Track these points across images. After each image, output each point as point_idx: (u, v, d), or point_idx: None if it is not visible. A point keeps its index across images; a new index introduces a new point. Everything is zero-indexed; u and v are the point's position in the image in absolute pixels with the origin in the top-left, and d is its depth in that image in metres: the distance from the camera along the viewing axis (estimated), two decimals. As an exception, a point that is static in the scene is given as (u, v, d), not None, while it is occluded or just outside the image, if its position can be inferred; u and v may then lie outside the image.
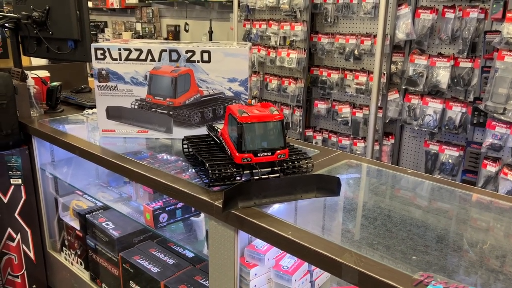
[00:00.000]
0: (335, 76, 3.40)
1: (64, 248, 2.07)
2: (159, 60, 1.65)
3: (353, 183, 1.39)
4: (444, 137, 3.05)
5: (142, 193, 1.84)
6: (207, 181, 1.25)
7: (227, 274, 1.19)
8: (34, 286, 2.21)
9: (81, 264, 1.96)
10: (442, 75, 2.87)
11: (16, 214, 2.07)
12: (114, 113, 1.72)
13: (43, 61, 2.91)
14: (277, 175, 1.23)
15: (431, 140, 3.07)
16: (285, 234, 0.99)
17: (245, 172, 1.23)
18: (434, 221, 1.13)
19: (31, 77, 2.13)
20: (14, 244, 2.09)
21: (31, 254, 2.17)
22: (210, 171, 1.20)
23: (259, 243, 1.25)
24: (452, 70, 2.86)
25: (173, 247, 1.75)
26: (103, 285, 1.83)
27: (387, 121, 3.20)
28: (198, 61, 1.64)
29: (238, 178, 1.22)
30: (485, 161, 2.55)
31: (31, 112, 2.08)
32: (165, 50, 1.64)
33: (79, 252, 1.95)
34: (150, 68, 1.66)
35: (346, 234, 1.05)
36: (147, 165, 1.45)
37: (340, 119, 3.40)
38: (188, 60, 1.64)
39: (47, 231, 2.15)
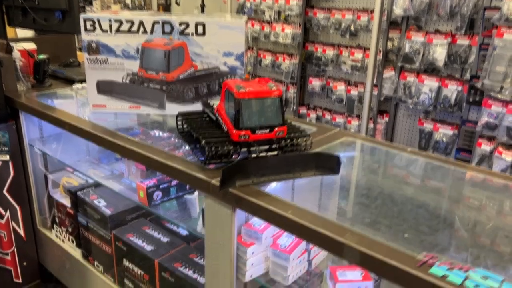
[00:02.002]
0: (330, 52, 3.34)
1: (55, 226, 2.03)
2: (151, 33, 1.58)
3: (352, 162, 1.37)
4: (438, 115, 3.03)
5: (135, 170, 1.80)
6: (203, 158, 1.21)
7: (224, 253, 1.17)
8: (24, 263, 2.18)
9: (72, 241, 1.93)
10: (439, 53, 2.82)
11: (4, 191, 2.02)
12: (104, 88, 1.66)
13: (29, 33, 2.80)
14: (275, 153, 1.20)
15: (425, 118, 3.05)
16: (285, 213, 0.96)
17: (242, 149, 1.19)
18: (436, 200, 1.11)
19: (17, 50, 2.05)
20: (3, 222, 2.04)
21: (21, 232, 2.13)
22: (206, 148, 1.16)
23: (256, 221, 1.22)
24: (449, 47, 2.82)
25: (167, 225, 1.72)
26: (96, 262, 1.80)
27: (382, 99, 3.17)
28: (192, 34, 1.58)
29: (235, 156, 1.19)
30: (480, 140, 2.55)
31: (18, 86, 2.00)
32: (158, 22, 1.57)
33: (70, 230, 1.91)
34: (142, 40, 1.59)
35: (347, 213, 1.03)
36: (140, 141, 1.40)
37: (335, 97, 3.36)
38: (182, 33, 1.58)
39: (37, 208, 2.11)
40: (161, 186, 1.46)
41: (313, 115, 3.63)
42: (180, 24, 1.56)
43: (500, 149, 2.42)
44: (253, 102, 1.16)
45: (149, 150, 1.31)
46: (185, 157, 1.28)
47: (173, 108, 1.66)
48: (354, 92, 3.27)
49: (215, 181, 1.11)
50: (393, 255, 0.83)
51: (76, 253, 1.92)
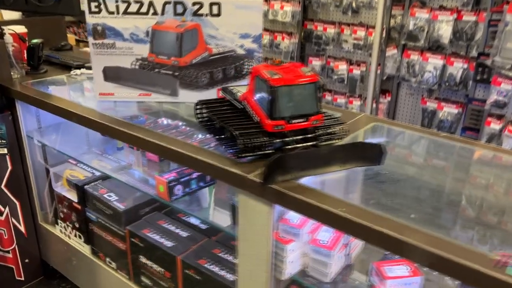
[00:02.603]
0: (331, 30, 3.24)
1: (59, 221, 1.93)
2: (162, 14, 1.46)
3: (391, 150, 1.30)
4: (442, 94, 2.99)
5: (146, 162, 1.71)
6: (233, 151, 1.13)
7: (261, 251, 1.10)
8: (26, 261, 2.08)
9: (80, 237, 1.83)
10: (444, 30, 2.76)
11: (2, 186, 1.90)
12: (112, 75, 1.54)
13: (15, 15, 2.62)
14: (311, 143, 1.12)
15: (429, 97, 3.00)
16: (338, 212, 0.89)
17: (276, 141, 1.11)
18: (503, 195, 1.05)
19: (9, 33, 1.89)
20: (2, 218, 1.93)
21: (22, 228, 2.02)
22: (240, 140, 1.07)
23: (292, 216, 1.15)
24: (455, 24, 2.75)
25: (183, 218, 1.64)
26: (107, 259, 1.72)
27: (384, 78, 3.10)
28: (206, 15, 1.47)
29: (269, 148, 1.10)
30: (489, 119, 2.51)
31: (12, 73, 1.86)
32: (169, 2, 1.45)
33: (77, 225, 1.81)
34: (152, 22, 1.47)
35: (404, 209, 0.96)
36: (160, 133, 1.30)
37: (336, 77, 3.27)
38: (195, 14, 1.46)
39: (38, 203, 2.00)
40: (181, 180, 1.37)
41: (311, 95, 3.52)
42: (193, 4, 1.45)
43: (510, 127, 2.39)
44: (289, 90, 1.07)
45: (174, 143, 1.22)
46: (206, 148, 1.19)
47: (186, 95, 1.56)
48: (356, 71, 3.20)
49: (252, 176, 1.03)
50: (466, 255, 0.77)
51: (85, 249, 1.82)
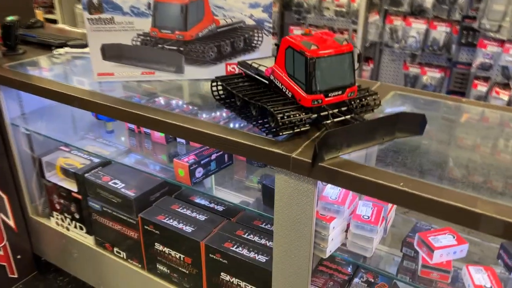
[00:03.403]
0: (311, -2, 3.16)
1: (54, 213, 1.81)
2: (165, -16, 1.35)
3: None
4: (424, 59, 3.01)
5: (151, 144, 1.61)
6: (269, 129, 1.06)
7: (302, 231, 1.06)
8: (18, 257, 1.95)
9: (81, 228, 1.72)
10: (427, -7, 2.75)
11: (-13, 180, 1.75)
12: (111, 53, 1.41)
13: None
14: (349, 116, 1.07)
15: (411, 62, 3.02)
16: (398, 187, 0.86)
17: (313, 116, 1.06)
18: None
19: (-21, 11, 1.70)
20: (-10, 214, 1.79)
21: (11, 223, 1.88)
22: (278, 118, 1.01)
23: (330, 193, 1.12)
24: (437, -13, 2.75)
25: (196, 200, 1.57)
26: (115, 249, 1.63)
27: (367, 44, 3.08)
28: (213, -17, 1.36)
29: (308, 124, 1.05)
30: (476, 81, 2.56)
31: (-13, 56, 1.68)
32: (172, -30, 1.33)
33: (78, 216, 1.70)
34: (154, -6, 1.35)
35: (463, 179, 0.94)
36: (179, 113, 1.21)
37: (318, 45, 3.21)
38: (201, -18, 1.36)
39: (28, 195, 1.86)
40: (202, 162, 1.29)
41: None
42: (199, -28, 1.34)
43: (497, 89, 2.45)
44: (327, 61, 1.02)
45: (198, 124, 1.13)
46: (233, 128, 1.12)
47: (192, 72, 1.47)
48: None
49: (297, 155, 0.97)
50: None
51: (88, 240, 1.72)
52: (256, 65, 1.23)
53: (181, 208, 1.50)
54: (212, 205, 1.53)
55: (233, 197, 1.40)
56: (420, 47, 2.89)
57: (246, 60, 1.29)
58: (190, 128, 1.11)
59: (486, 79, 2.56)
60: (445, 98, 1.36)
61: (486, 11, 2.35)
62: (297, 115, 1.03)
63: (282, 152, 0.99)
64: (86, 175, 1.59)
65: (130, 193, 1.48)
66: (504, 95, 2.43)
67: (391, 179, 0.89)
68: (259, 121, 1.12)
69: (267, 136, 1.07)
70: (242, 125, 1.17)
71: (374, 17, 3.04)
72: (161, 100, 1.37)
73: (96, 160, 1.68)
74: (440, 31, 2.79)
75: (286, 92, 1.09)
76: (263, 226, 1.41)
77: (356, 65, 1.07)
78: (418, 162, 1.01)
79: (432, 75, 2.94)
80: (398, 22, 2.93)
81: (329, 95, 1.04)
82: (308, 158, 0.96)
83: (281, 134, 1.03)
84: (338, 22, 3.21)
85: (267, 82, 1.17)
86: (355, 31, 3.07)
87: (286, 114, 1.02)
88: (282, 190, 1.05)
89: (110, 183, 1.54)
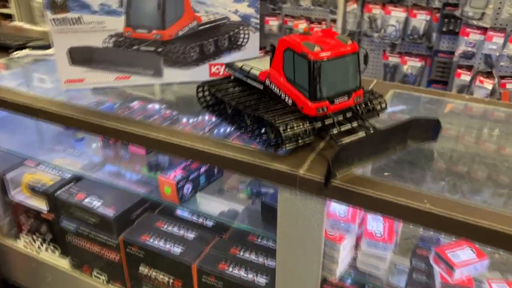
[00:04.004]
0: (287, -13, 3.03)
1: (22, 234, 1.63)
2: (138, -23, 1.19)
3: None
4: (403, 48, 2.95)
5: (128, 156, 1.46)
6: (267, 143, 0.94)
7: (310, 254, 0.95)
8: (-17, 282, 1.77)
9: (53, 251, 1.56)
10: (406, -20, 2.68)
11: None
12: (80, 56, 1.25)
13: None
14: (355, 124, 0.97)
15: (391, 52, 2.95)
16: (424, 207, 0.76)
17: (318, 125, 0.95)
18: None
19: None
20: (-51, 239, 1.60)
21: (-26, 246, 1.70)
22: (280, 130, 0.89)
23: (338, 208, 1.01)
24: (416, -26, 2.67)
25: (181, 215, 1.44)
26: (94, 272, 1.48)
27: (346, 34, 2.99)
28: (192, -24, 1.22)
29: (312, 135, 0.94)
30: (459, 70, 2.52)
31: None
32: (146, -38, 1.18)
33: (49, 238, 1.54)
34: (126, -11, 1.20)
35: (493, 194, 0.85)
36: (162, 125, 1.07)
37: (295, 37, 3.09)
38: (179, -25, 1.21)
39: (-9, 215, 1.67)
40: (190, 177, 1.16)
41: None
42: (177, -37, 1.19)
43: (481, 78, 2.41)
44: (333, 64, 0.90)
45: (186, 137, 1.00)
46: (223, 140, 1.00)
47: (172, 75, 1.32)
48: (317, 29, 3.03)
49: (304, 172, 0.86)
50: None
51: (62, 263, 1.56)
52: (247, 68, 1.10)
53: (166, 225, 1.36)
54: (200, 220, 1.41)
55: (222, 210, 1.28)
56: (400, 36, 2.83)
57: (234, 61, 1.16)
58: (178, 144, 0.98)
59: (469, 68, 2.52)
60: (449, 96, 1.27)
61: (469, -1, 2.29)
62: (301, 125, 0.91)
63: (287, 169, 0.87)
64: (57, 193, 1.43)
65: (109, 212, 1.34)
66: (488, 84, 2.40)
67: (413, 196, 0.79)
68: (255, 132, 1.00)
69: (266, 149, 0.95)
70: (231, 132, 1.04)
71: (352, 6, 2.95)
72: (139, 109, 1.22)
73: (68, 175, 1.52)
74: (420, 19, 2.72)
75: (286, 99, 0.97)
76: (259, 242, 1.29)
77: (363, 66, 0.96)
78: (438, 173, 0.92)
79: (412, 64, 2.88)
80: (377, 10, 2.85)
81: (335, 101, 0.93)
82: (318, 175, 0.85)
83: (283, 147, 0.91)
84: (315, 12, 3.10)
85: (261, 87, 1.05)
86: (333, 21, 2.97)
87: (289, 125, 0.90)
88: (287, 210, 0.94)
89: (85, 201, 1.39)
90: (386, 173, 0.89)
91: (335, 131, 0.94)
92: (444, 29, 2.59)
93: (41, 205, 1.50)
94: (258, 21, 1.31)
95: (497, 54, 2.37)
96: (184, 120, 1.15)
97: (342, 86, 0.94)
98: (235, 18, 1.29)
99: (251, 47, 1.34)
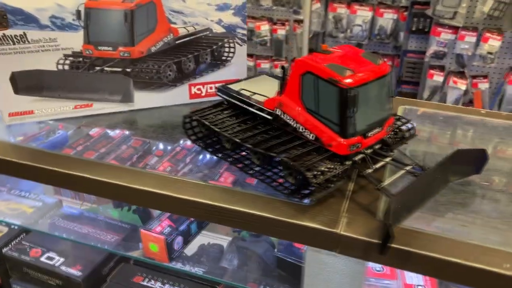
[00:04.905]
0: (246, -14, 2.84)
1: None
2: (99, -18, 0.95)
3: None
4: (370, 47, 2.86)
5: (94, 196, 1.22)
6: (289, 190, 0.75)
7: (347, 323, 0.78)
8: None
9: (4, 315, 1.28)
10: (371, -22, 2.57)
11: None
12: (27, 83, 0.99)
13: None
14: (389, 159, 0.80)
15: (357, 52, 2.84)
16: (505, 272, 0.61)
17: (347, 165, 0.77)
18: None
19: None
20: None
21: None
22: (308, 176, 0.70)
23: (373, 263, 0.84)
24: (380, -29, 2.58)
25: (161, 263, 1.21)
26: None
27: (311, 35, 2.85)
28: (167, -20, 1.00)
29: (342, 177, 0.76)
30: (431, 71, 2.45)
31: None
32: (109, -37, 0.95)
33: (-3, 301, 1.26)
34: (84, -3, 0.95)
35: None
36: (147, 170, 0.85)
37: (258, 39, 2.91)
38: (151, -21, 0.99)
39: None
40: (180, 228, 0.95)
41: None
42: (147, -36, 0.97)
43: (455, 78, 2.35)
44: (367, 90, 0.73)
45: (181, 187, 0.78)
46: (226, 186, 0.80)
47: (144, 99, 1.10)
48: (281, 31, 2.87)
49: (346, 231, 0.68)
50: None
51: (16, 330, 1.28)
52: (247, 93, 0.90)
53: (147, 279, 1.13)
54: (187, 267, 1.19)
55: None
56: (367, 36, 2.73)
57: (227, 84, 0.96)
58: (174, 196, 0.76)
59: (441, 68, 2.46)
60: (465, 111, 1.14)
61: (440, -3, 2.22)
62: (333, 168, 0.73)
63: (322, 227, 0.69)
64: (4, 250, 1.15)
65: (75, 272, 1.09)
66: (462, 84, 2.35)
67: (492, 256, 0.63)
68: (266, 173, 0.81)
69: (288, 197, 0.76)
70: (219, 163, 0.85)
71: (315, 5, 2.81)
72: (107, 145, 0.99)
73: (15, 224, 1.24)
74: (387, 19, 2.64)
75: (306, 134, 0.78)
76: (263, 292, 1.10)
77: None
78: (497, 216, 0.77)
79: (380, 64, 2.78)
80: (342, 10, 2.73)
81: (368, 135, 0.76)
82: (361, 234, 0.67)
83: (310, 196, 0.73)
84: (278, 12, 2.93)
85: (268, 117, 0.85)
86: (296, 21, 2.82)
87: (317, 169, 0.72)
88: (316, 272, 0.76)
89: (42, 258, 1.13)
90: (436, 223, 0.73)
91: (369, 170, 0.76)
92: (414, 28, 2.52)
93: (-16, 264, 1.22)
94: (245, 32, 1.11)
95: (469, 53, 2.32)
96: (179, 162, 0.94)
97: (376, 116, 0.77)
98: (218, 29, 1.08)
99: (238, 62, 1.14)
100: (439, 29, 2.35)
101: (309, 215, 0.72)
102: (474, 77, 2.41)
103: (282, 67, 0.81)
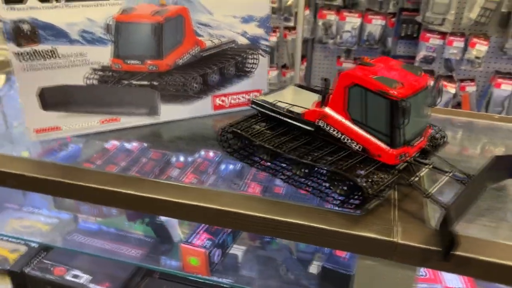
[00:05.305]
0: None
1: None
2: (130, -4, 0.95)
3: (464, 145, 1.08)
4: (358, 53, 2.92)
5: (115, 210, 1.21)
6: (342, 202, 0.77)
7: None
8: None
9: (22, 337, 1.24)
10: (360, -14, 2.64)
11: None
12: (55, 99, 0.97)
13: None
14: (430, 166, 0.83)
15: (346, 58, 2.90)
16: None
17: (396, 174, 0.79)
18: None
19: None
20: None
21: None
22: (364, 187, 0.72)
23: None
24: (369, -21, 2.65)
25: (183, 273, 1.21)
26: None
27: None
28: (195, -7, 1.00)
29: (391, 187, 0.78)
30: (422, 76, 2.51)
31: None
32: (139, -23, 0.94)
33: (15, 323, 1.22)
34: (115, 11, 0.95)
35: None
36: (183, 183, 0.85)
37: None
38: (179, -7, 0.99)
39: None
40: (218, 241, 0.95)
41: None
42: (177, -22, 0.97)
43: (445, 82, 2.43)
44: (414, 102, 0.75)
45: (225, 198, 0.79)
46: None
47: (170, 112, 1.09)
48: (273, 38, 2.90)
49: (403, 239, 0.70)
50: None
51: None
52: (283, 105, 0.91)
53: (177, 293, 1.13)
54: (218, 279, 1.19)
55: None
56: (356, 42, 2.79)
57: (260, 97, 0.97)
58: (233, 212, 0.76)
59: (430, 73, 2.55)
60: (475, 116, 1.19)
61: (430, 4, 2.29)
62: (384, 178, 0.75)
63: (379, 236, 0.71)
64: (26, 270, 1.12)
65: (104, 289, 1.07)
66: (452, 88, 2.44)
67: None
68: (313, 184, 0.82)
69: (338, 208, 0.77)
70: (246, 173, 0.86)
71: (305, 12, 2.85)
72: (126, 159, 0.98)
73: (36, 242, 1.21)
74: (376, 25, 2.70)
75: (352, 144, 0.80)
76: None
77: (438, 100, 0.82)
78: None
79: (368, 70, 2.85)
80: (331, 16, 2.78)
81: (412, 143, 0.79)
82: (418, 241, 0.69)
83: (366, 207, 0.75)
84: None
85: (310, 129, 0.87)
86: (287, 28, 2.86)
87: (371, 180, 0.74)
88: (368, 281, 0.78)
89: (68, 277, 1.10)
90: (486, 229, 0.76)
91: (415, 179, 0.79)
92: (403, 34, 2.59)
93: (3, 285, 1.18)
94: (268, 43, 1.13)
95: (458, 58, 2.41)
96: (211, 174, 0.94)
97: (419, 126, 0.80)
98: (243, 41, 1.09)
99: (260, 73, 1.15)
100: (428, 34, 2.44)
101: (362, 225, 0.73)
102: (461, 80, 2.50)
103: (325, 79, 0.83)
